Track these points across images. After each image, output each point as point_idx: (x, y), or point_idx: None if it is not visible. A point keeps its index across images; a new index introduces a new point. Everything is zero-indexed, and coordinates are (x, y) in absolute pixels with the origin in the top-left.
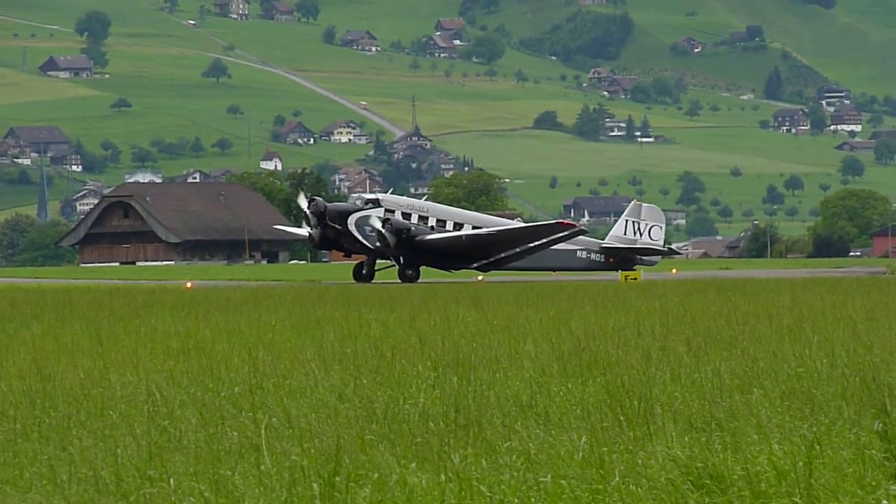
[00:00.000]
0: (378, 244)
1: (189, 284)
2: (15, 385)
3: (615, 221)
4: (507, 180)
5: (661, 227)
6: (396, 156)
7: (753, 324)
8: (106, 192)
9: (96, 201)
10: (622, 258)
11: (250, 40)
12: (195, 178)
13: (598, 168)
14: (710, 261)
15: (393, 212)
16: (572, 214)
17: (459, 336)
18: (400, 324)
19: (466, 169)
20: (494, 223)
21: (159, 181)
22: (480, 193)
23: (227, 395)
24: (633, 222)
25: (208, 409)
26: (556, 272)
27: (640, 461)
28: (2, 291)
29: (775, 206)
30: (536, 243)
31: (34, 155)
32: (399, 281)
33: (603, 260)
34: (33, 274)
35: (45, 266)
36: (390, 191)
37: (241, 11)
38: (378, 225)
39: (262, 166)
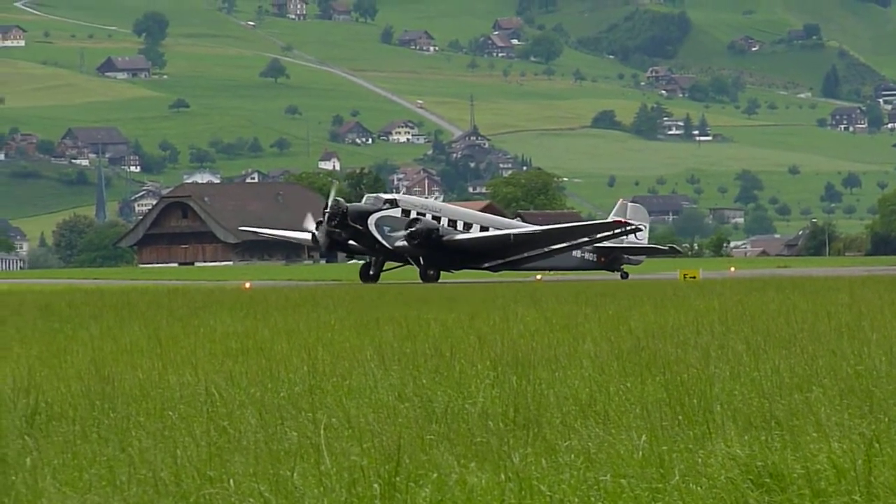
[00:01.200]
0: (398, 245)
1: (248, 285)
2: (74, 386)
3: (673, 220)
4: (565, 179)
5: (645, 227)
6: (455, 155)
7: (812, 322)
8: (164, 192)
9: (155, 202)
10: (613, 258)
11: (308, 40)
12: (254, 178)
13: (656, 167)
14: (768, 259)
15: (409, 212)
16: None
17: (518, 335)
18: (459, 323)
19: (525, 168)
20: (501, 224)
21: (218, 181)
22: (539, 192)
23: (287, 396)
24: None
25: (268, 410)
26: (551, 272)
27: (699, 460)
28: (60, 293)
29: (833, 205)
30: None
31: (92, 156)
32: (420, 281)
33: (595, 259)
34: (92, 275)
35: (104, 267)
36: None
37: (298, 11)
38: (415, 222)
39: (320, 166)
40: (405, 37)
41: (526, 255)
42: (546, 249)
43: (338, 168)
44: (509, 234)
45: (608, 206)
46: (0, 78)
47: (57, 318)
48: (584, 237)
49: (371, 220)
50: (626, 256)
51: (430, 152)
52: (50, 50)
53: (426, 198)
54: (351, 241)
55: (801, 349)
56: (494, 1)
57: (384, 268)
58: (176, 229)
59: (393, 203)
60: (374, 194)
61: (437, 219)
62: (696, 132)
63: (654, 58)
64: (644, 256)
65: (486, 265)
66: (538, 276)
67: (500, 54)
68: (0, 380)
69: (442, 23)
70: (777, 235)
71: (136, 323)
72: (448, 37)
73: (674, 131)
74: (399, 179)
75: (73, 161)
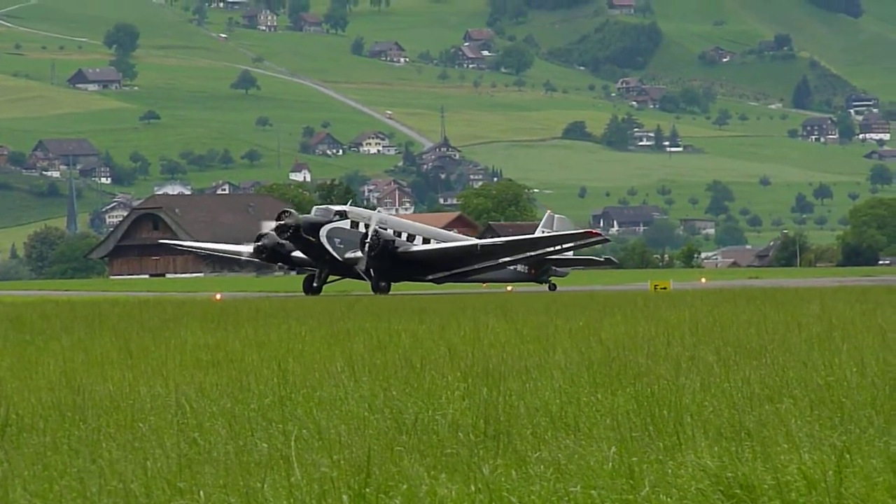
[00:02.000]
0: (348, 256)
1: (218, 296)
2: (45, 398)
3: (644, 231)
4: (536, 190)
5: None
6: (425, 166)
7: (783, 333)
8: (135, 204)
9: (126, 213)
10: (543, 270)
11: (279, 52)
12: (224, 189)
13: (627, 178)
14: (739, 270)
15: (357, 224)
16: (601, 224)
17: (489, 346)
18: (429, 334)
19: (496, 179)
20: (440, 235)
21: (189, 193)
22: (510, 204)
23: (257, 407)
24: (545, 232)
25: (238, 421)
26: (485, 284)
27: (669, 471)
28: (32, 304)
29: (804, 216)
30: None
31: (63, 167)
32: (373, 293)
33: (526, 271)
34: (63, 286)
35: (75, 278)
36: (351, 203)
37: (269, 23)
38: (374, 234)
39: (291, 178)
40: (376, 48)
41: (474, 266)
42: (500, 261)
43: (308, 179)
44: (476, 244)
45: (579, 216)
46: None
47: (28, 330)
48: (552, 247)
49: (322, 232)
50: (553, 268)
51: (400, 164)
52: (21, 62)
53: (379, 211)
54: (296, 253)
55: (771, 360)
56: (465, 12)
57: (326, 280)
58: (147, 241)
59: (342, 215)
60: (324, 206)
61: (367, 232)
62: (667, 143)
63: (624, 69)
64: (570, 269)
65: (431, 277)
66: (508, 288)
67: (470, 65)
68: None
69: (412, 34)
70: (748, 246)
71: (107, 334)
72: (419, 48)
73: (644, 142)
74: (370, 191)
75: (45, 173)
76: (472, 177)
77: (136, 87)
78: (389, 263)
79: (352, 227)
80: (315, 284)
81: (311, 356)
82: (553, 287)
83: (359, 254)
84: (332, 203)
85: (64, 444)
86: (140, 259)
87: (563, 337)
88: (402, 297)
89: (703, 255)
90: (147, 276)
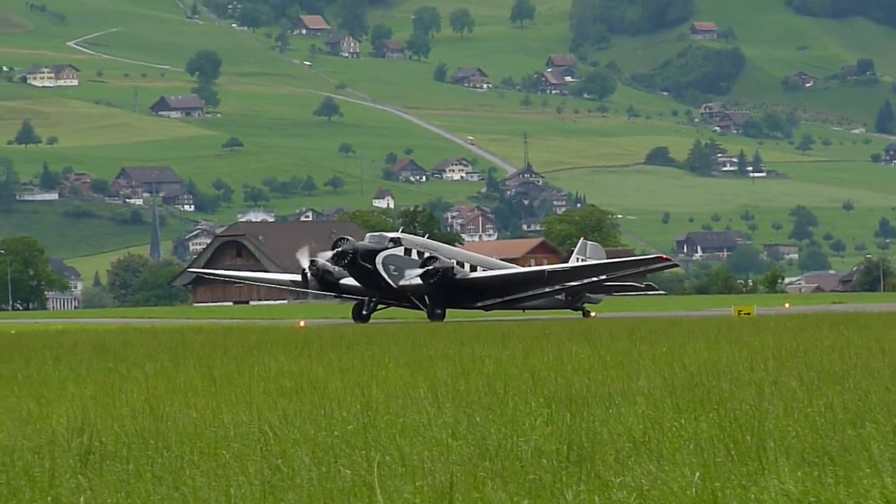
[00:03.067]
0: (403, 283)
1: (302, 323)
2: (128, 425)
3: (728, 256)
4: (619, 216)
5: None
6: (509, 193)
7: (866, 357)
8: (218, 231)
9: (209, 241)
10: (579, 297)
11: (362, 78)
12: (308, 216)
13: (710, 203)
14: (822, 295)
15: (410, 251)
16: (685, 250)
17: (572, 372)
18: (513, 360)
19: (579, 205)
20: (485, 262)
21: (272, 220)
22: (593, 230)
23: (340, 434)
24: (580, 259)
25: (321, 448)
26: (525, 311)
27: (752, 496)
28: (115, 332)
29: (888, 240)
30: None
31: (146, 195)
32: (428, 320)
33: (563, 298)
34: (146, 314)
35: (158, 306)
36: (401, 229)
37: (352, 50)
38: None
39: (374, 204)
40: (458, 74)
41: (527, 293)
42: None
43: (392, 206)
44: (543, 270)
45: (662, 242)
46: (54, 118)
47: (111, 358)
48: (621, 272)
49: (378, 259)
50: (587, 295)
51: (483, 190)
52: (103, 89)
53: (426, 236)
54: (344, 281)
55: (854, 385)
56: (547, 38)
57: (376, 308)
58: (230, 268)
59: (396, 242)
60: (378, 233)
61: (428, 259)
62: (750, 168)
63: (707, 94)
64: (603, 295)
65: (480, 304)
66: (592, 314)
67: (553, 91)
68: (54, 419)
69: (495, 60)
70: (832, 271)
71: (190, 362)
72: (501, 74)
73: (728, 167)
74: (453, 217)
75: (127, 200)
76: (555, 203)
77: (218, 115)
78: (447, 290)
79: (405, 254)
80: (364, 312)
81: (395, 382)
82: (587, 314)
83: (416, 281)
84: (415, 230)
85: (147, 471)
86: (223, 286)
87: (647, 363)
88: (486, 324)
89: (786, 280)
90: (230, 304)
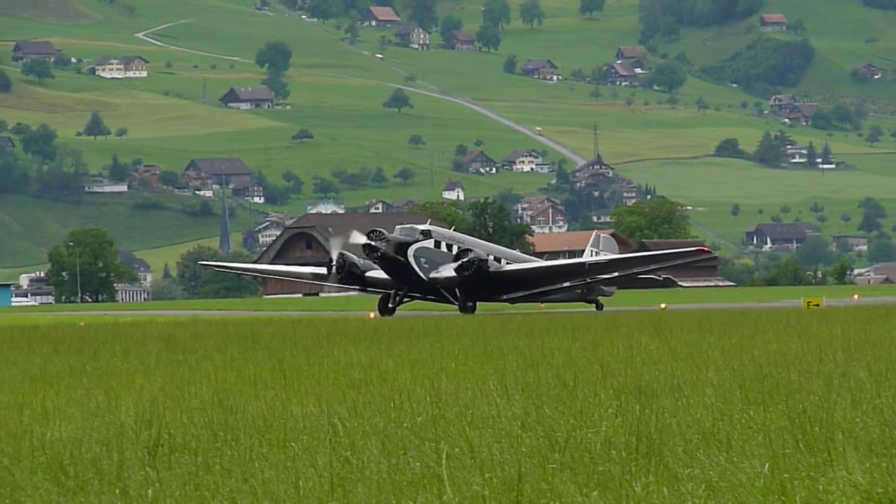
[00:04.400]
0: (433, 276)
1: (372, 315)
2: (197, 417)
3: (798, 248)
4: (689, 208)
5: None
6: (579, 184)
7: None
8: (288, 223)
9: (279, 232)
10: (594, 290)
11: (431, 70)
12: (377, 208)
13: (779, 195)
14: (891, 286)
15: (440, 243)
16: (755, 241)
17: (642, 364)
18: (582, 352)
19: (649, 197)
20: (510, 255)
21: (342, 212)
22: (663, 221)
23: (410, 426)
24: (595, 252)
25: (390, 440)
26: (543, 304)
27: (821, 487)
28: (185, 324)
29: None
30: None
31: (216, 187)
32: (459, 313)
33: (580, 291)
34: (216, 306)
35: (228, 298)
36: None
37: (422, 41)
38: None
39: (444, 196)
40: (528, 66)
41: (555, 286)
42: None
43: (462, 198)
44: (583, 262)
45: (732, 234)
46: (123, 109)
47: (181, 350)
48: (661, 264)
49: (410, 251)
50: (601, 288)
51: (553, 181)
52: (172, 81)
53: (454, 229)
54: (370, 274)
55: None
56: (617, 30)
57: (402, 301)
58: (300, 260)
59: (427, 234)
60: (409, 225)
61: (463, 251)
62: (820, 160)
63: (776, 86)
64: (615, 287)
65: (506, 297)
66: (662, 305)
67: (623, 83)
68: (123, 412)
69: (565, 52)
70: None
71: (260, 354)
72: (571, 66)
73: (797, 159)
74: (523, 209)
75: (197, 192)
76: (625, 194)
77: (288, 106)
78: (479, 283)
79: (435, 246)
80: (391, 305)
81: (464, 374)
82: (600, 306)
83: (448, 273)
84: (486, 222)
85: (216, 464)
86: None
87: (716, 354)
88: (555, 316)
89: (855, 271)
90: (300, 295)
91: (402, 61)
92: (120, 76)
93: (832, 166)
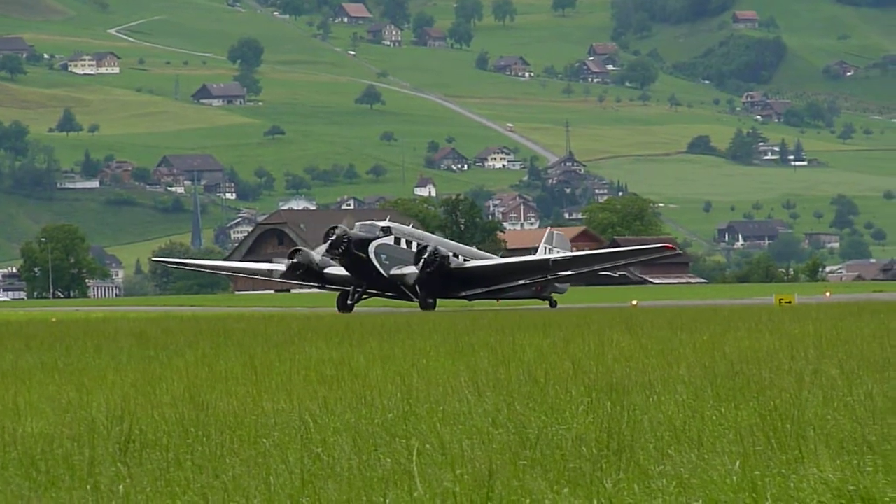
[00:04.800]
0: (394, 273)
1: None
2: (168, 414)
3: (770, 245)
4: (661, 205)
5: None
6: (551, 181)
7: None
8: (260, 219)
9: (250, 229)
10: (546, 286)
11: (403, 66)
12: (349, 204)
13: (752, 192)
14: (863, 283)
15: (400, 240)
16: (727, 238)
17: (613, 360)
18: (553, 348)
19: (620, 194)
20: (466, 252)
21: (313, 208)
22: (635, 218)
23: (381, 422)
24: (548, 249)
25: (361, 436)
26: (498, 301)
27: (792, 484)
28: (156, 320)
29: None
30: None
31: (188, 183)
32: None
33: (534, 289)
34: (188, 302)
35: (200, 294)
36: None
37: (393, 38)
38: (433, 251)
39: (416, 193)
40: (500, 63)
41: (515, 283)
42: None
43: (433, 194)
44: (548, 259)
45: (704, 231)
46: (95, 105)
47: (152, 346)
48: (626, 260)
49: (371, 248)
50: (555, 285)
51: (525, 178)
52: (145, 77)
53: (412, 226)
54: (329, 270)
55: (894, 374)
56: (589, 27)
57: (361, 298)
58: (272, 256)
59: (388, 231)
60: (369, 221)
61: (425, 248)
62: (792, 157)
63: (749, 83)
64: (569, 285)
65: (464, 294)
66: (633, 302)
67: (595, 80)
68: (94, 408)
69: (537, 49)
70: (873, 260)
71: (231, 350)
72: (543, 62)
73: (769, 156)
74: (495, 205)
75: (169, 188)
76: (596, 191)
77: (260, 103)
78: (441, 280)
79: (395, 243)
80: (349, 302)
81: (435, 371)
82: (554, 304)
83: (409, 270)
84: (457, 218)
85: (187, 460)
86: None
87: (687, 351)
88: (526, 312)
89: (827, 268)
90: (272, 292)
91: (374, 58)
92: (92, 72)
93: (804, 163)
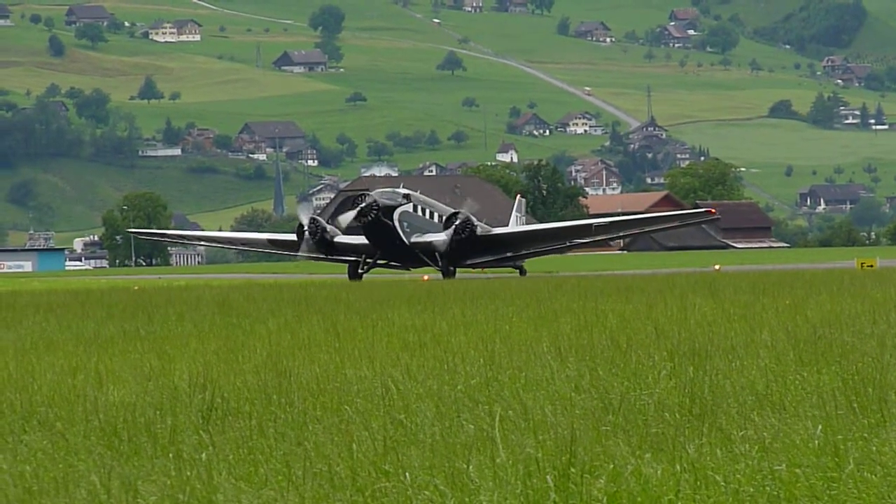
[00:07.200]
0: (415, 240)
1: (426, 277)
2: (251, 381)
3: (851, 209)
4: (742, 169)
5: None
6: (632, 146)
7: None
8: (342, 186)
9: (332, 195)
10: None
11: (485, 33)
12: (431, 171)
13: (833, 156)
14: None
15: (417, 208)
16: (808, 202)
17: (695, 325)
18: (636, 314)
19: (702, 158)
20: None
21: (395, 175)
22: (717, 183)
23: (464, 388)
24: (520, 217)
25: (444, 403)
26: (485, 269)
27: (874, 448)
28: (238, 287)
29: None
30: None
31: (270, 150)
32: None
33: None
34: (270, 269)
35: (282, 262)
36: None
37: (475, 4)
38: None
39: (497, 158)
40: (581, 28)
41: (529, 251)
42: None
43: (515, 160)
44: (591, 224)
45: (785, 195)
46: (176, 73)
47: (235, 313)
48: (667, 225)
49: (395, 215)
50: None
51: (607, 143)
52: (226, 44)
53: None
54: (339, 239)
55: None
56: None
57: (373, 267)
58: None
59: (408, 198)
60: (391, 189)
61: (455, 214)
62: (873, 121)
63: (829, 47)
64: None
65: (470, 262)
66: (716, 266)
67: (676, 45)
68: (177, 375)
69: (618, 14)
70: None
71: (314, 317)
72: (624, 28)
73: (850, 120)
74: (577, 171)
75: (251, 155)
76: (678, 156)
77: (341, 69)
78: (466, 247)
79: (413, 210)
80: (361, 271)
81: (518, 337)
82: (524, 272)
83: (435, 237)
84: (539, 184)
85: (270, 427)
86: None
87: (770, 316)
88: (609, 278)
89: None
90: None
91: (456, 24)
92: (173, 40)
93: (885, 127)
